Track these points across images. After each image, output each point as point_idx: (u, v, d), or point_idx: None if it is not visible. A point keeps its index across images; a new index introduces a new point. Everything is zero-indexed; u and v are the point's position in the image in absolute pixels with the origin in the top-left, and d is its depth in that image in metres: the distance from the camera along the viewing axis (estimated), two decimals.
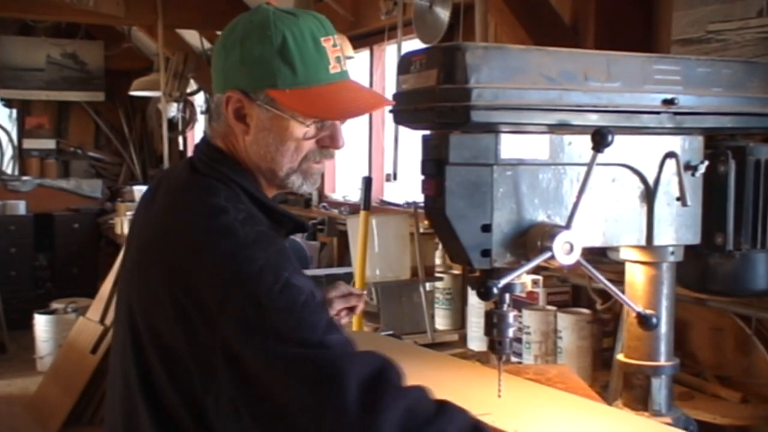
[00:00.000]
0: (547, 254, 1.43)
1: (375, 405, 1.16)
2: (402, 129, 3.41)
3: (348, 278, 3.07)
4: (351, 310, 1.84)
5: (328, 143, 1.39)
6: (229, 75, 1.37)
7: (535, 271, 2.57)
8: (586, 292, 2.47)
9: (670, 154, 1.57)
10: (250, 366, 1.19)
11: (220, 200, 1.31)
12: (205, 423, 1.28)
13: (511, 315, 1.53)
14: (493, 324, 1.52)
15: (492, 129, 1.44)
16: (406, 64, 1.51)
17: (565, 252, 1.44)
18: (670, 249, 1.63)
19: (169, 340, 1.27)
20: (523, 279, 1.52)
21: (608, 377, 2.25)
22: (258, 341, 1.18)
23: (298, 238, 4.13)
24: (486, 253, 1.46)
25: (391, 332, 2.59)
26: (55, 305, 6.17)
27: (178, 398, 1.29)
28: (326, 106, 1.34)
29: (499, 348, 1.54)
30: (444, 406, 1.25)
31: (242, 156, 1.39)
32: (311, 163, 1.40)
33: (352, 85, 1.40)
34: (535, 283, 2.55)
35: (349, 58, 3.95)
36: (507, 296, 1.52)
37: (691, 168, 1.60)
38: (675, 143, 1.59)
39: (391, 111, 1.56)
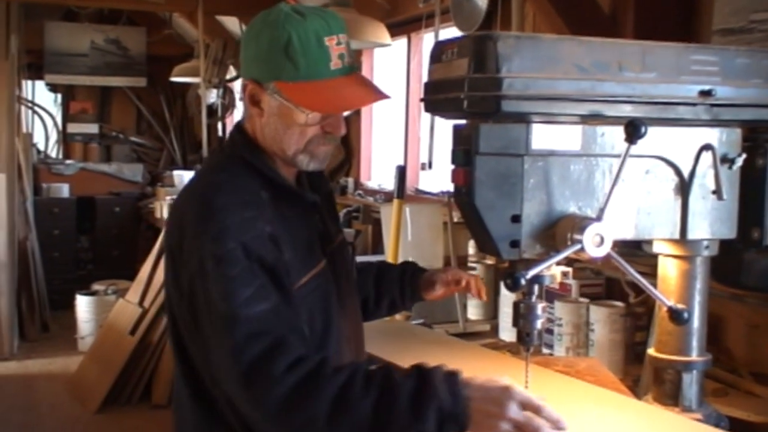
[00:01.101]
0: (577, 246, 1.42)
1: (259, 380, 1.35)
2: (439, 118, 3.40)
3: None
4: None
5: (330, 129, 1.56)
6: (247, 65, 1.57)
7: (568, 263, 2.55)
8: (620, 285, 2.44)
9: (707, 147, 1.54)
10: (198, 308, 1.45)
11: (220, 176, 1.54)
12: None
13: (540, 306, 1.51)
14: (521, 315, 1.51)
15: (523, 119, 1.42)
16: (437, 53, 1.50)
17: (595, 244, 1.42)
18: (705, 243, 1.60)
19: (172, 295, 1.53)
20: (553, 271, 1.51)
21: (640, 371, 2.23)
22: (200, 294, 1.43)
23: None
24: (515, 243, 1.46)
25: (422, 321, 2.59)
26: (96, 287, 6.29)
27: (194, 353, 1.53)
28: (322, 99, 1.50)
29: (527, 339, 1.53)
30: (343, 375, 1.36)
31: (259, 136, 1.59)
32: (317, 146, 1.56)
33: (354, 80, 1.55)
34: (564, 275, 2.53)
35: (386, 45, 3.94)
36: (536, 287, 1.51)
37: (728, 161, 1.57)
38: (712, 135, 1.56)
39: (422, 100, 1.55)
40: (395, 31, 4.51)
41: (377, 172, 5.36)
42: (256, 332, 1.37)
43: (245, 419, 1.46)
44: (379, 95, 1.55)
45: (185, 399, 1.58)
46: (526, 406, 1.32)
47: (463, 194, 1.46)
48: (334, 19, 1.52)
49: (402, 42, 4.77)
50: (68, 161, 8.08)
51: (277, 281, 1.44)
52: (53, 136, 8.33)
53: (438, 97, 1.49)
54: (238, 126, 1.64)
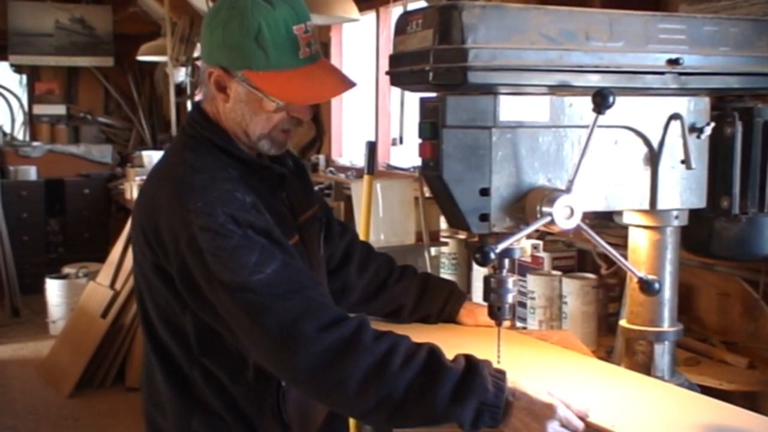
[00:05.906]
0: (547, 219, 1.40)
1: (291, 340, 1.35)
2: (409, 93, 3.35)
3: None
4: None
5: (297, 115, 1.58)
6: (212, 52, 1.56)
7: (540, 235, 2.54)
8: (592, 257, 2.44)
9: (675, 116, 1.53)
10: (206, 291, 1.43)
11: (188, 157, 1.55)
12: (190, 353, 1.52)
13: (511, 280, 1.50)
14: (492, 289, 1.50)
15: (490, 90, 1.40)
16: (402, 24, 1.47)
17: (565, 216, 1.41)
18: (674, 213, 1.60)
19: (148, 272, 1.52)
20: (523, 244, 1.49)
21: (613, 342, 2.23)
22: (196, 271, 1.42)
23: None
24: (484, 217, 1.44)
25: None
26: (66, 270, 6.21)
27: (166, 332, 1.54)
28: (293, 89, 1.51)
29: (498, 314, 1.52)
30: (383, 337, 1.38)
31: (222, 119, 1.60)
32: (280, 132, 1.59)
33: (323, 67, 1.58)
34: (535, 248, 2.52)
35: (354, 20, 3.89)
36: (506, 261, 1.50)
37: (696, 130, 1.56)
38: (680, 104, 1.55)
39: (387, 73, 1.53)
40: (364, 5, 4.45)
41: (348, 148, 5.32)
42: (277, 293, 1.38)
43: (228, 399, 1.51)
44: (347, 84, 1.58)
45: (161, 384, 1.58)
46: (566, 426, 1.33)
47: (431, 168, 1.44)
48: (300, 6, 1.54)
49: (371, 16, 4.72)
50: (35, 143, 7.96)
51: (275, 241, 1.46)
52: (19, 118, 8.18)
53: (403, 70, 1.46)
54: (197, 106, 1.64)
